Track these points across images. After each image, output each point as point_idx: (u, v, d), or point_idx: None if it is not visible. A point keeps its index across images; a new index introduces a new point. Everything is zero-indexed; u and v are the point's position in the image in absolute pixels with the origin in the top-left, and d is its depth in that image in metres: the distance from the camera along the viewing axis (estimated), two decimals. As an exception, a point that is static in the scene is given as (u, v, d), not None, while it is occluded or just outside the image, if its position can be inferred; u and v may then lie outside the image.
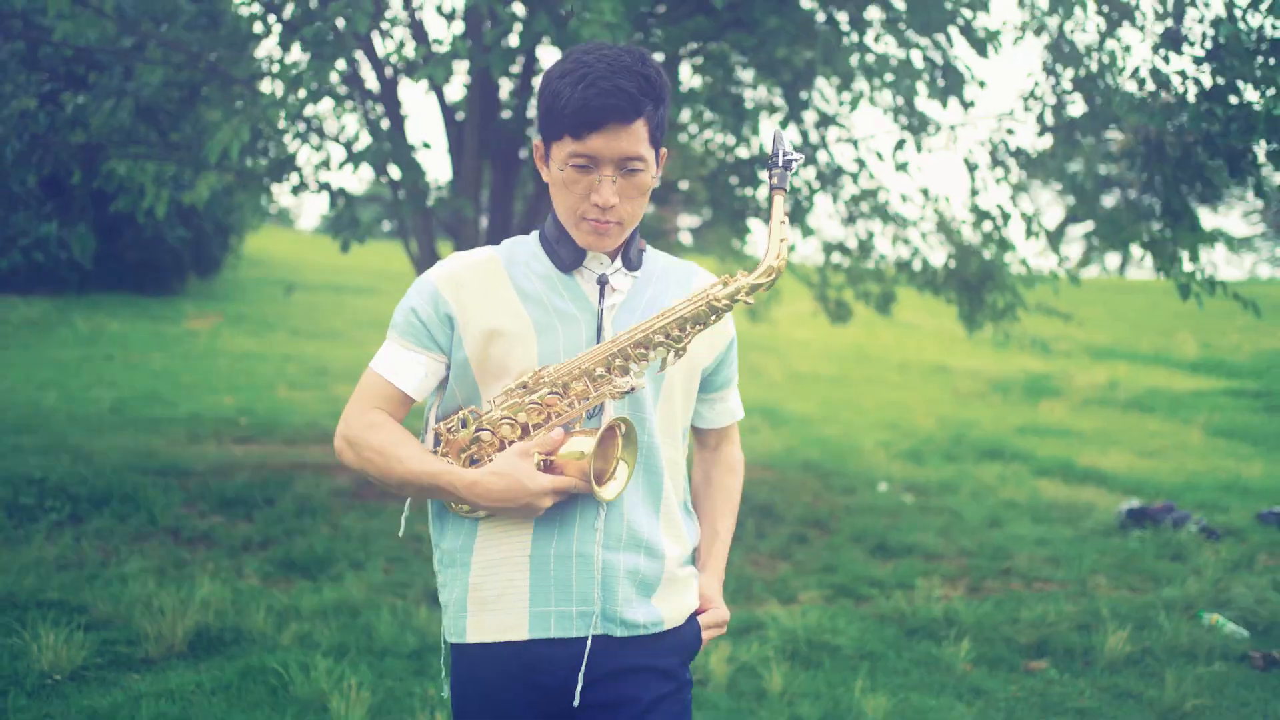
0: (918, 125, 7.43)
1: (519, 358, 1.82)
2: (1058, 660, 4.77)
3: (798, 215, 9.03)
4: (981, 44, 6.60)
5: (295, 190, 7.97)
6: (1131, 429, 13.91)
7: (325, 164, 8.20)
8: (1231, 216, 62.92)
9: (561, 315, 1.85)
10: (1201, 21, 5.96)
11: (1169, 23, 6.12)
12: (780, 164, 1.76)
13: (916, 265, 9.17)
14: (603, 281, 1.89)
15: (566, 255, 1.88)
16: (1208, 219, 60.08)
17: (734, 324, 2.04)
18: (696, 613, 1.98)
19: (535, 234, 1.94)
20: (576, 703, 1.82)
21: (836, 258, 9.80)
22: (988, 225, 8.40)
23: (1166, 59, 6.16)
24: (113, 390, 10.95)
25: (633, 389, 1.78)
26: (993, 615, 5.22)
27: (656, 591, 1.89)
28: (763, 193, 8.91)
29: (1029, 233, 7.86)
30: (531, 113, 7.72)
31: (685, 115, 8.50)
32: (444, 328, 1.85)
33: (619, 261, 1.92)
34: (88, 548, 5.31)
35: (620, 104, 1.73)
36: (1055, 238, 8.01)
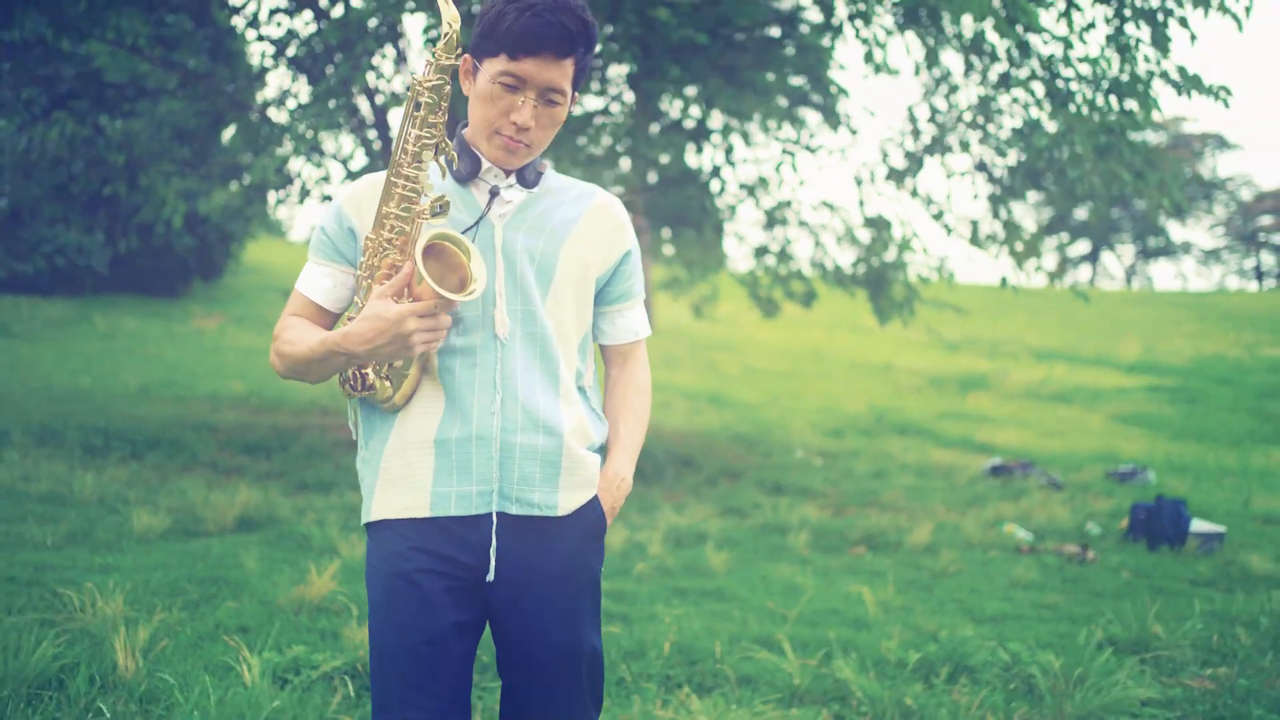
0: (812, 148, 9.14)
1: None
2: (874, 548, 6.44)
3: (715, 229, 10.78)
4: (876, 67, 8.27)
5: (301, 199, 9.64)
6: (1042, 416, 15.61)
7: (326, 179, 9.87)
8: (1198, 230, 64.60)
9: (454, 223, 1.94)
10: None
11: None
12: None
13: (829, 264, 10.85)
14: (494, 192, 1.97)
15: (464, 168, 1.97)
16: (1176, 232, 62.13)
17: (633, 237, 2.14)
18: (593, 499, 2.05)
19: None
20: (491, 577, 1.93)
21: (769, 261, 11.48)
22: (894, 230, 10.08)
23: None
24: (137, 376, 12.54)
25: (442, 204, 1.86)
26: (835, 522, 6.90)
27: (560, 474, 1.98)
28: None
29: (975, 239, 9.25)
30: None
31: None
32: (348, 240, 1.98)
33: (513, 178, 2.00)
34: (149, 474, 6.94)
35: (559, 36, 1.85)
36: (1005, 231, 9.15)
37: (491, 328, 1.94)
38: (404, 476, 1.94)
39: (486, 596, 1.97)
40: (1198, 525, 6.93)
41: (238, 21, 8.98)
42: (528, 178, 2.01)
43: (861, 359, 21.83)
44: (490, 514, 1.93)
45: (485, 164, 1.97)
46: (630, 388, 2.18)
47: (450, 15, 1.82)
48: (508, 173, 1.99)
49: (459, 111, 6.74)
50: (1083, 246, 62.20)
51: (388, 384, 1.92)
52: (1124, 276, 63.64)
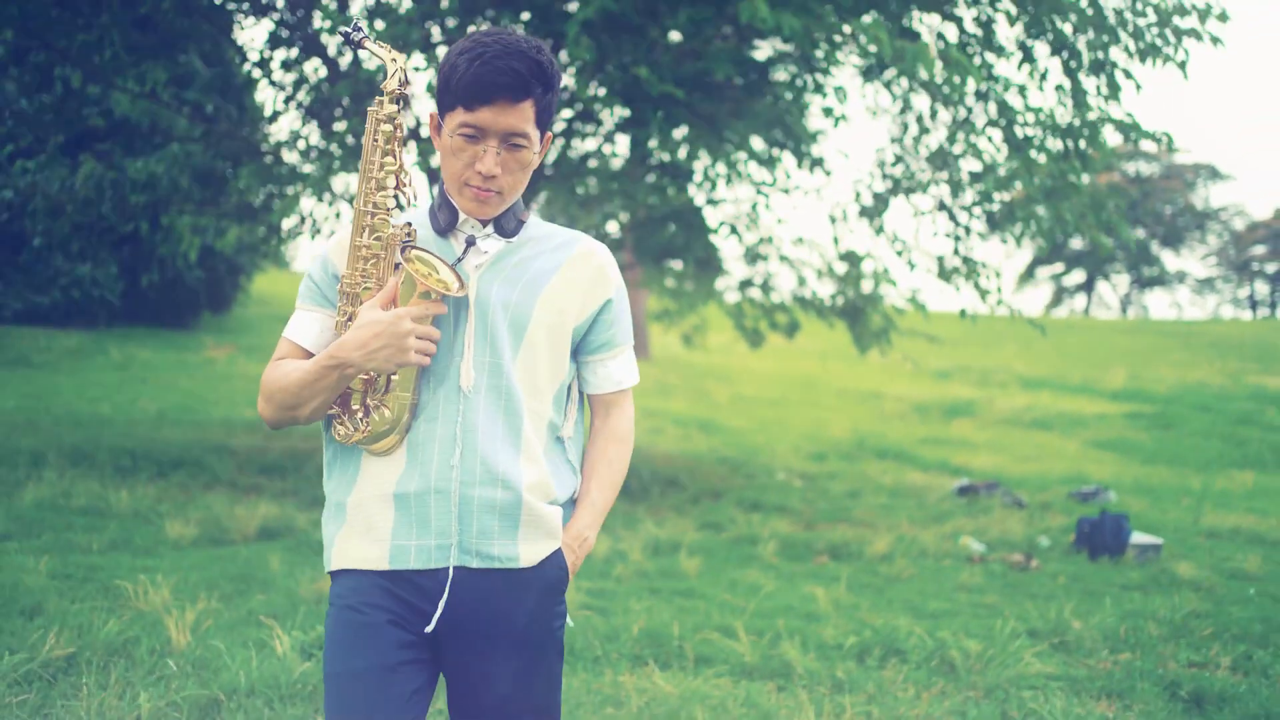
0: (787, 190, 9.84)
1: None
2: (837, 557, 7.07)
3: (712, 263, 11.46)
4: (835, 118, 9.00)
5: (313, 236, 10.32)
6: (1020, 441, 16.23)
7: (338, 215, 10.57)
8: (1192, 259, 65.48)
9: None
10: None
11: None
12: (353, 33, 1.92)
13: (808, 294, 11.52)
14: (470, 241, 1.99)
15: (443, 219, 1.99)
16: (1170, 261, 62.95)
17: (616, 285, 2.14)
18: (556, 552, 2.04)
19: (427, 206, 2.07)
20: (430, 629, 1.94)
21: (754, 294, 12.15)
22: (867, 265, 10.76)
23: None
24: (154, 403, 13.19)
25: (410, 232, 1.93)
26: (804, 535, 7.53)
27: (519, 526, 1.97)
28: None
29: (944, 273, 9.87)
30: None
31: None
32: (333, 286, 2.00)
33: (491, 227, 2.02)
34: (175, 491, 7.58)
35: (510, 82, 1.86)
36: (965, 266, 9.75)
37: (456, 380, 1.95)
38: (365, 529, 1.95)
39: (441, 646, 1.98)
40: (1137, 538, 7.54)
41: (249, 64, 9.69)
42: (507, 227, 2.02)
43: (851, 387, 22.47)
44: (448, 568, 1.94)
45: (462, 215, 1.99)
46: (609, 439, 2.18)
47: (390, 56, 1.93)
48: (484, 223, 2.00)
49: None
50: (1078, 276, 62.92)
51: (386, 413, 1.93)
52: (1119, 306, 64.32)
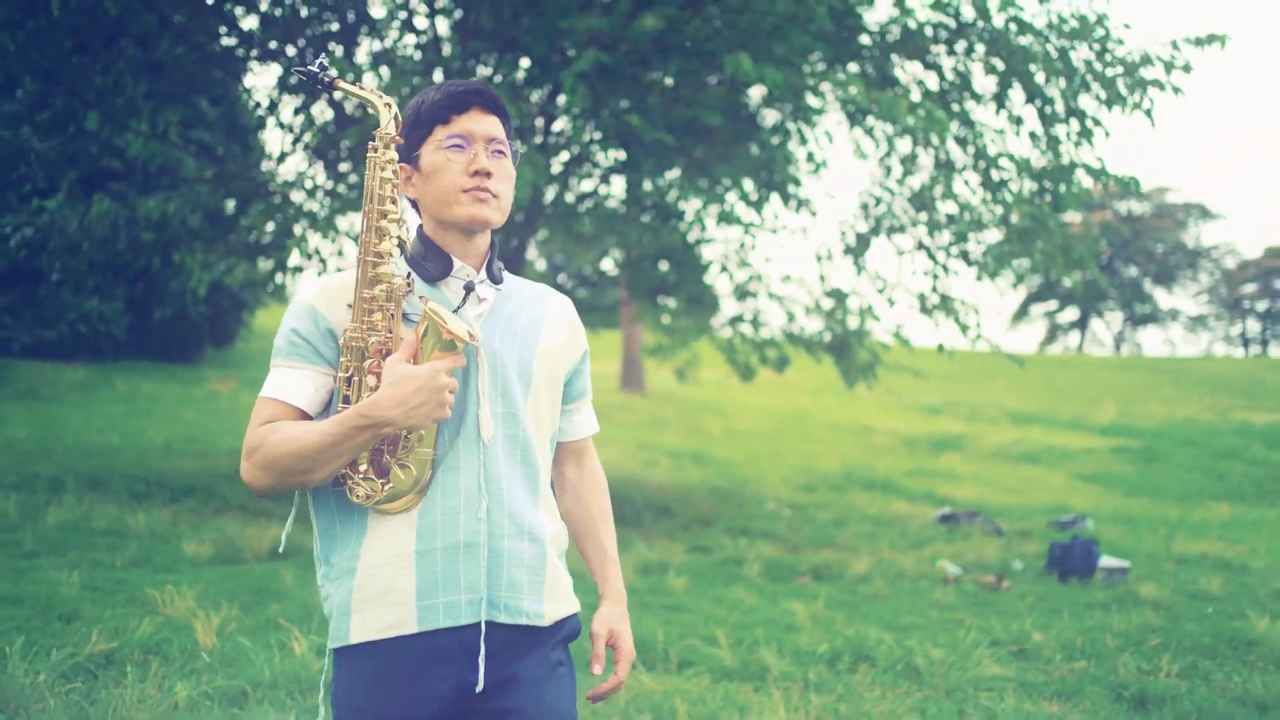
0: (774, 230, 10.31)
1: None
2: (819, 578, 7.44)
3: (707, 303, 11.95)
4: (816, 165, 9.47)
5: (319, 274, 10.75)
6: (1006, 474, 16.62)
7: (340, 253, 11.00)
8: (1184, 297, 66.18)
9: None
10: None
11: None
12: (321, 74, 1.84)
13: (796, 330, 11.94)
14: (469, 287, 1.95)
15: (434, 267, 1.94)
16: (1164, 299, 63.60)
17: (584, 337, 2.17)
18: (574, 614, 2.04)
19: (400, 258, 1.97)
20: (480, 688, 1.86)
21: (745, 329, 12.57)
22: (852, 301, 11.19)
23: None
24: (161, 434, 13.57)
25: (410, 283, 1.87)
26: (788, 558, 7.90)
27: (544, 584, 1.95)
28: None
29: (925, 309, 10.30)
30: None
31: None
32: (327, 341, 1.89)
33: (484, 273, 1.99)
34: (189, 515, 7.95)
35: (481, 94, 1.94)
36: (942, 302, 10.27)
37: (475, 429, 1.91)
38: (383, 592, 1.84)
39: (469, 709, 1.89)
40: (1105, 561, 7.92)
41: (259, 109, 10.16)
42: (495, 274, 2.02)
43: (843, 421, 22.86)
44: (479, 623, 1.87)
45: (457, 262, 1.96)
46: (595, 489, 2.21)
47: (380, 98, 1.89)
48: (476, 267, 1.98)
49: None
50: (1072, 313, 63.48)
51: (410, 469, 1.85)
52: (1113, 343, 64.83)
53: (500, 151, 1.96)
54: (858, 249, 9.72)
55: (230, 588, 5.51)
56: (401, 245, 1.94)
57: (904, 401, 26.20)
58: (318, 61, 1.84)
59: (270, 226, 10.34)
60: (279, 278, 12.14)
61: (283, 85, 9.75)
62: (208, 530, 7.23)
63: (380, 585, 1.84)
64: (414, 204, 2.00)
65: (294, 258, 10.93)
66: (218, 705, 3.71)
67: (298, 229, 10.54)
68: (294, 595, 5.38)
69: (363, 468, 1.83)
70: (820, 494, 12.94)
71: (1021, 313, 63.07)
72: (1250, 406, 28.54)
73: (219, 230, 10.91)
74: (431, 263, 1.95)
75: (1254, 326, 61.63)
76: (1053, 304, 62.53)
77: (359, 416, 1.77)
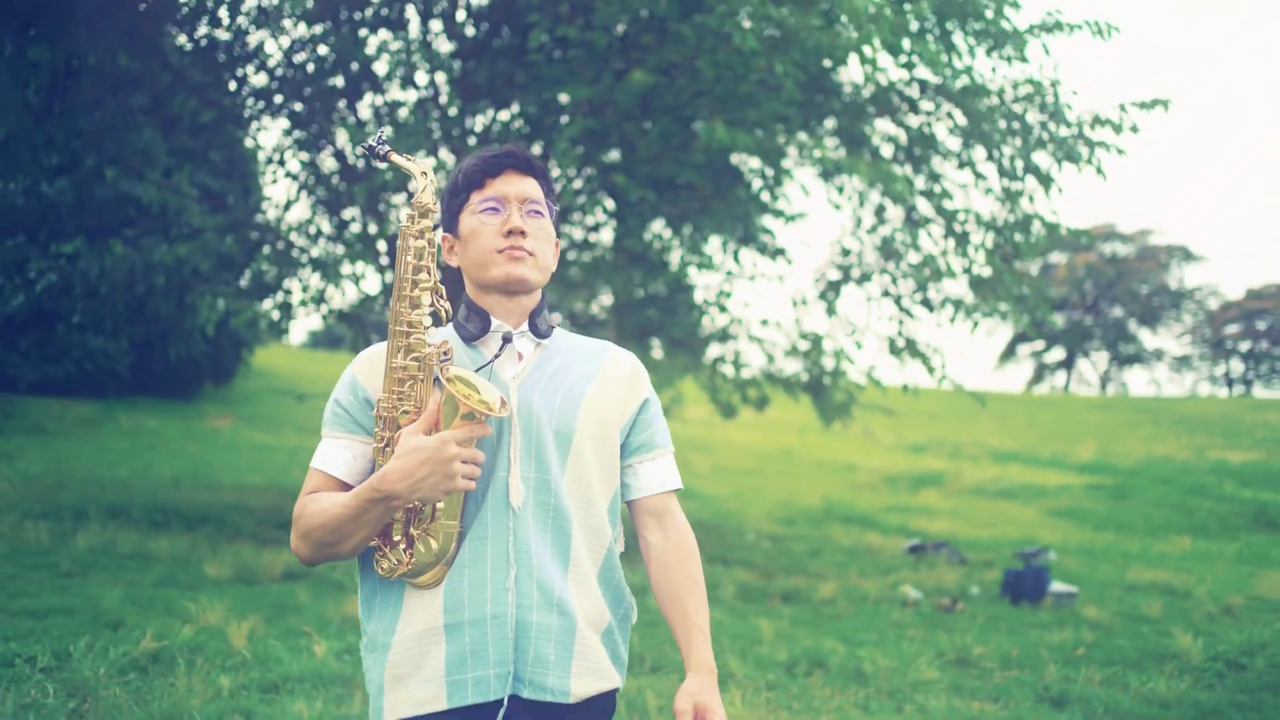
0: (752, 277, 11.03)
1: None
2: (788, 601, 8.06)
3: (693, 345, 12.63)
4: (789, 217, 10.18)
5: (325, 318, 11.41)
6: (981, 509, 17.25)
7: (343, 296, 11.67)
8: (1168, 338, 67.17)
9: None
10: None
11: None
12: (378, 147, 1.87)
13: (775, 371, 12.61)
14: (507, 338, 1.95)
15: (474, 326, 1.96)
16: (1148, 340, 64.51)
17: (650, 387, 2.09)
18: (610, 691, 1.96)
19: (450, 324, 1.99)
20: None
21: (727, 370, 13.23)
22: (827, 344, 11.88)
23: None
24: (167, 469, 14.16)
25: (446, 350, 1.83)
26: (761, 583, 8.53)
27: (572, 659, 1.88)
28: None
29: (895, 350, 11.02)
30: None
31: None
32: (364, 411, 1.92)
33: (525, 326, 1.98)
34: (204, 542, 8.56)
35: (515, 157, 1.97)
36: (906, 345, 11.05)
37: (504, 496, 1.88)
38: (415, 669, 1.85)
39: None
40: (1056, 586, 8.55)
41: (270, 161, 10.87)
42: (539, 327, 1.99)
43: (827, 459, 23.48)
44: (504, 698, 1.84)
45: (495, 321, 1.96)
46: (681, 552, 2.09)
47: (419, 168, 1.89)
48: (517, 322, 1.98)
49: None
50: (1058, 354, 64.28)
51: (432, 543, 1.84)
52: (1098, 383, 65.57)
53: (537, 212, 1.98)
54: (830, 295, 10.42)
55: (252, 603, 6.13)
56: (436, 316, 1.91)
57: (888, 440, 26.86)
58: (376, 135, 1.89)
59: (273, 271, 11.00)
60: (274, 315, 12.83)
61: (289, 133, 10.46)
62: (225, 554, 7.84)
63: (412, 661, 1.85)
64: (460, 272, 2.04)
65: (297, 301, 11.63)
66: (255, 694, 4.33)
67: (303, 274, 11.22)
68: (310, 610, 6.00)
69: (396, 538, 1.85)
70: (799, 527, 13.55)
71: (1009, 353, 63.87)
72: (1226, 445, 29.17)
73: (230, 274, 11.57)
74: (472, 323, 1.97)
75: (1237, 366, 62.46)
76: (1039, 344, 63.30)
77: (370, 490, 1.78)
